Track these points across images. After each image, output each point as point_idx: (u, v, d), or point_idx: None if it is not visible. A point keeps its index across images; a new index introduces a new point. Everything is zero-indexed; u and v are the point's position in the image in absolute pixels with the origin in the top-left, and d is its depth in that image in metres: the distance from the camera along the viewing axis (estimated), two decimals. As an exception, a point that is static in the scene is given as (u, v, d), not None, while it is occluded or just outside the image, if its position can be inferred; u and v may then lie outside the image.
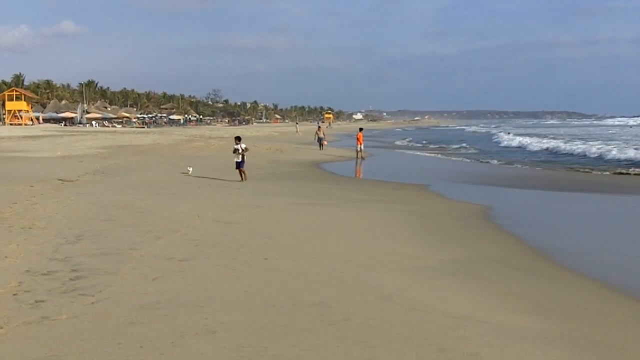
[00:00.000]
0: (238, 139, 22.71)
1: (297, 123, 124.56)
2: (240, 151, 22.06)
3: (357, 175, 29.13)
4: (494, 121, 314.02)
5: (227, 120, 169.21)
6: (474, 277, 9.41)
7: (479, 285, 8.95)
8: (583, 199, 20.94)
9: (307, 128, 79.58)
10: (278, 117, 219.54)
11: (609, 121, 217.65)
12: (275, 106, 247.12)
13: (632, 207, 19.16)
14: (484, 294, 8.46)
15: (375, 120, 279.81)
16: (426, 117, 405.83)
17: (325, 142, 45.60)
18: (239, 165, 22.18)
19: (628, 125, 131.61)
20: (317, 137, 45.78)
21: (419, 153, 48.13)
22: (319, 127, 49.30)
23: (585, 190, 22.91)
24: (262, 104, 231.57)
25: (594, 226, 15.53)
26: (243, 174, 22.01)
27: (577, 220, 16.46)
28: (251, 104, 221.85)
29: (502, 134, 79.11)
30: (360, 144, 37.20)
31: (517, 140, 61.05)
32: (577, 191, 22.60)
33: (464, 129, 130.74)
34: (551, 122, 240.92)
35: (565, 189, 23.38)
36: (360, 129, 39.24)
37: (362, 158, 36.38)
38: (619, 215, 17.24)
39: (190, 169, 23.64)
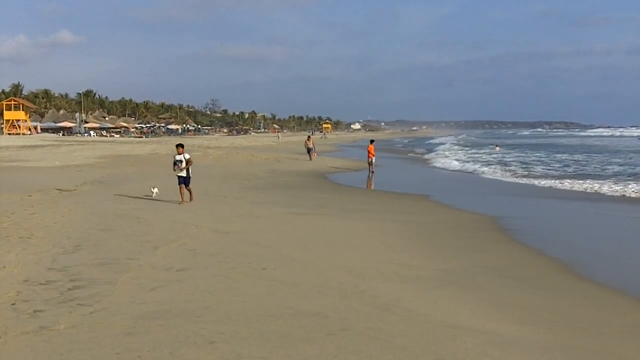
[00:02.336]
0: (181, 147, 18.43)
1: (278, 132, 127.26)
2: (183, 164, 17.92)
3: (369, 187, 28.18)
4: (484, 132, 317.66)
5: (225, 130, 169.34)
6: (471, 286, 9.44)
7: (476, 295, 8.97)
8: (577, 207, 20.98)
9: (300, 139, 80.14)
10: (276, 126, 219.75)
11: (599, 131, 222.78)
12: (274, 116, 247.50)
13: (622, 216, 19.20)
14: (481, 303, 8.48)
15: (373, 131, 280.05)
16: (424, 127, 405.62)
17: (315, 154, 44.36)
18: (182, 181, 17.86)
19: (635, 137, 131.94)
20: (306, 147, 44.63)
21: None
22: (309, 136, 48.07)
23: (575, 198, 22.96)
24: (261, 114, 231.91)
25: (590, 234, 15.56)
26: (189, 193, 17.99)
27: (573, 228, 16.48)
28: (249, 113, 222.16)
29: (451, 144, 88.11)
30: (372, 156, 34.58)
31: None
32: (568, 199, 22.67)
33: (430, 139, 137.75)
34: (526, 133, 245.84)
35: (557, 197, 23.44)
36: (372, 141, 36.69)
37: (372, 172, 33.85)
38: (612, 224, 17.28)
39: (155, 190, 18.79)
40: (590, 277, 10.63)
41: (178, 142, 19.43)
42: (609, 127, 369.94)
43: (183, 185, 17.81)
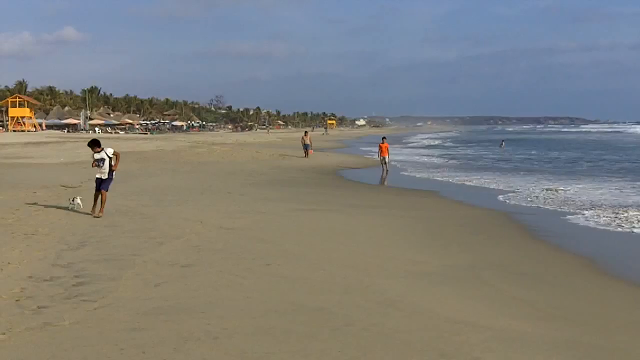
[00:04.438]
0: (96, 145, 14.44)
1: (268, 126, 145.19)
2: (106, 163, 14.31)
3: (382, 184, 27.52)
4: (488, 127, 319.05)
5: (230, 127, 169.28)
6: (476, 282, 9.41)
7: (481, 290, 8.95)
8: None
9: (293, 135, 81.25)
10: (281, 123, 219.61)
11: (588, 127, 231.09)
12: (278, 112, 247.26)
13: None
14: (486, 299, 8.46)
15: (378, 127, 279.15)
16: (429, 122, 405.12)
17: (311, 151, 42.12)
18: (101, 184, 14.20)
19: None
20: (303, 144, 42.14)
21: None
22: (306, 132, 45.52)
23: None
24: (265, 110, 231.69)
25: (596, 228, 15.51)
26: (101, 201, 14.05)
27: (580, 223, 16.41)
28: (254, 110, 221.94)
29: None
30: (385, 155, 32.19)
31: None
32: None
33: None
34: (511, 129, 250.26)
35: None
36: (384, 138, 33.72)
37: (387, 170, 31.60)
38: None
39: (77, 202, 14.80)
40: (596, 272, 10.59)
41: (91, 139, 15.02)
42: (614, 122, 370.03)
43: (101, 191, 14.14)
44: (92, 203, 14.23)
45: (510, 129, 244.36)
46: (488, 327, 7.08)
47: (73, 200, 14.85)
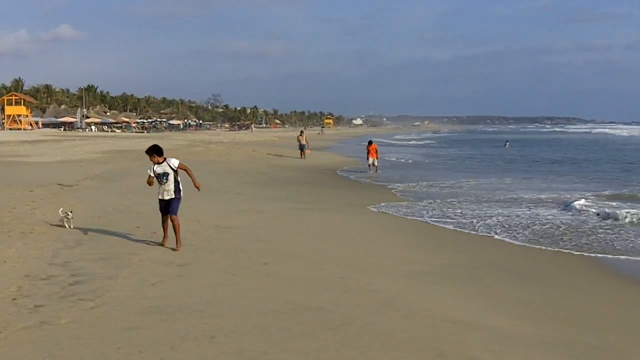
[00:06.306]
0: (157, 153, 10.80)
1: (251, 124, 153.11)
2: (171, 178, 10.60)
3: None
4: (483, 127, 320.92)
5: (227, 126, 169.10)
6: (473, 282, 9.43)
7: (478, 290, 8.97)
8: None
9: (278, 135, 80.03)
10: (278, 122, 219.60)
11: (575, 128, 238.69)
12: (275, 111, 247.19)
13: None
14: (483, 298, 8.48)
15: (375, 126, 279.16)
16: (426, 122, 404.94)
17: (308, 151, 40.65)
18: (168, 207, 10.62)
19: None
20: (299, 144, 40.66)
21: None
22: (302, 132, 43.60)
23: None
24: (262, 109, 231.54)
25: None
26: (175, 227, 10.51)
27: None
28: (251, 109, 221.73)
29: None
30: (373, 157, 32.05)
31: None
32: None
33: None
34: (491, 129, 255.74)
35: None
36: (370, 142, 33.09)
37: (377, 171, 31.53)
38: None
39: (70, 216, 12.23)
40: (592, 272, 10.62)
41: (152, 144, 11.33)
42: (610, 122, 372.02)
43: (170, 216, 10.64)
44: (162, 228, 10.94)
45: (490, 129, 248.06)
46: (485, 327, 7.09)
47: (69, 215, 12.24)
